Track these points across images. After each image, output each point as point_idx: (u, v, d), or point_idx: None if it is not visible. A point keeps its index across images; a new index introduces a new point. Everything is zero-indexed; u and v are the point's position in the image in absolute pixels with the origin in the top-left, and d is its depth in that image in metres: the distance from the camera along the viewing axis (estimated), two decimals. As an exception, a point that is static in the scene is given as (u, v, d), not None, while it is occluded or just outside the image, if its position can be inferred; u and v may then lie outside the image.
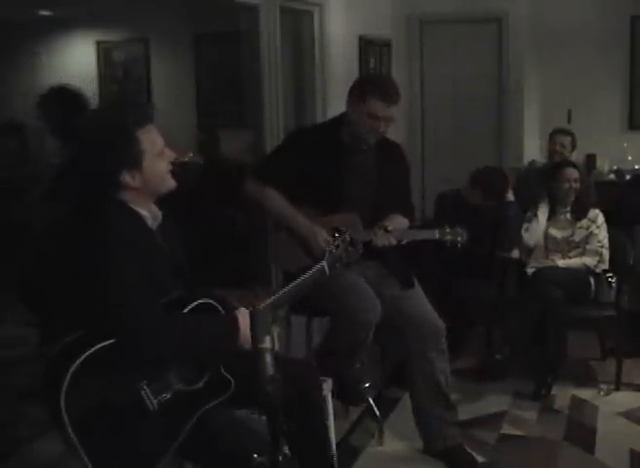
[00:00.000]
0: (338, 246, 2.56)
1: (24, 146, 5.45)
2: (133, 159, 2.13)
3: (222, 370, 2.21)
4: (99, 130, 2.17)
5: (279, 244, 3.27)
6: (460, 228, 3.19)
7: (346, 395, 3.41)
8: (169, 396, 2.09)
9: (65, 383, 1.94)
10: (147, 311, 2.05)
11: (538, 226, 4.29)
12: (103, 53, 7.65)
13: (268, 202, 3.22)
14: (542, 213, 4.31)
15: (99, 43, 7.65)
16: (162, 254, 2.21)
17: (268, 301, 2.31)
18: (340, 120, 3.30)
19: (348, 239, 2.57)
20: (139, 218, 2.18)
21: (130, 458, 2.03)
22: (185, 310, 2.17)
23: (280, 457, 1.74)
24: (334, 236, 2.57)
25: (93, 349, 1.98)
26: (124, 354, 2.01)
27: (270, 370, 1.77)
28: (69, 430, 1.94)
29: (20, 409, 3.48)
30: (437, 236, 3.17)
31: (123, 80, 7.60)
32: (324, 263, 2.51)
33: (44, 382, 2.02)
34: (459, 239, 3.18)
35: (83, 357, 1.96)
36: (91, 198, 2.18)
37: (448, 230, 3.18)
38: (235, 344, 2.15)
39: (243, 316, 2.18)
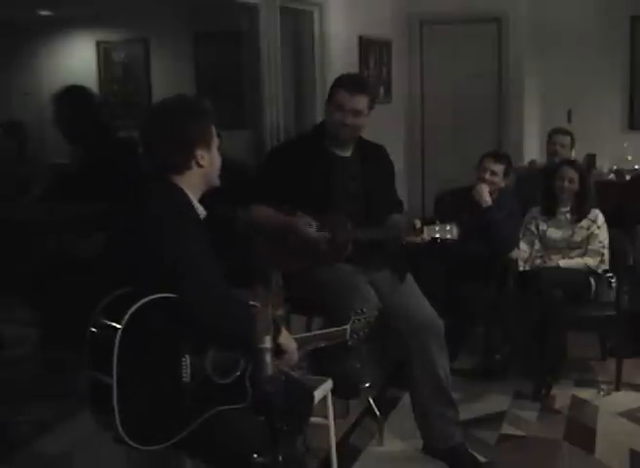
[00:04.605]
0: (360, 320, 2.62)
1: (24, 146, 5.46)
2: (207, 138, 2.28)
3: (247, 379, 2.24)
4: (182, 106, 2.30)
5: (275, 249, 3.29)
6: (450, 224, 3.15)
7: (342, 389, 3.41)
8: (201, 376, 2.13)
9: (125, 321, 1.98)
10: (215, 279, 2.13)
11: (532, 236, 4.30)
12: (103, 53, 7.64)
13: (259, 219, 3.26)
14: (535, 224, 4.31)
15: (99, 43, 7.64)
16: (210, 248, 2.26)
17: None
18: (320, 127, 3.37)
19: (372, 320, 2.65)
20: (191, 204, 2.27)
21: (152, 420, 2.06)
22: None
23: (280, 457, 1.74)
24: (358, 312, 2.64)
25: (154, 296, 2.04)
26: (179, 318, 2.06)
27: (270, 370, 1.77)
28: (114, 371, 1.98)
29: (20, 408, 3.48)
30: (426, 237, 3.13)
31: (123, 80, 7.59)
32: (347, 327, 2.59)
33: (92, 325, 2.09)
34: (448, 236, 3.14)
35: (145, 300, 2.02)
36: (160, 174, 2.26)
37: (437, 228, 3.14)
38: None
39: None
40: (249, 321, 2.12)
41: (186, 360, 2.11)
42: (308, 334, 2.55)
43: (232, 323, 2.15)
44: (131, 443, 2.02)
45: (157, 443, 2.07)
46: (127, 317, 2.00)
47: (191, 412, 2.13)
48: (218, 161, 2.36)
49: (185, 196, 2.25)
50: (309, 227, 3.16)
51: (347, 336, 2.58)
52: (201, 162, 2.27)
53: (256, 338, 2.01)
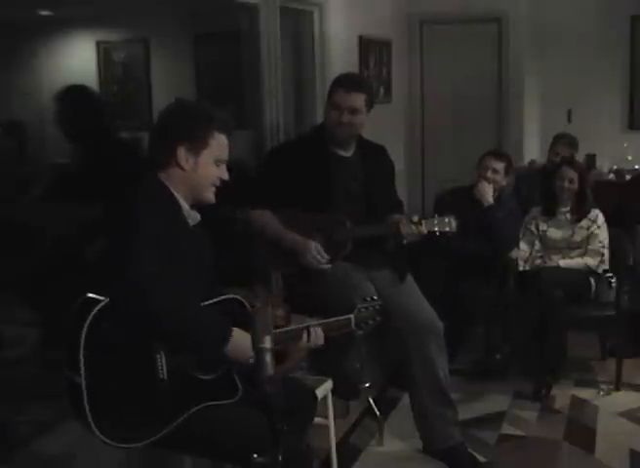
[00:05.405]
0: (367, 308, 2.50)
1: (24, 146, 5.46)
2: (195, 141, 2.20)
3: (235, 374, 2.22)
4: (186, 106, 2.28)
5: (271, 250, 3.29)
6: (448, 217, 3.15)
7: (342, 389, 3.41)
8: (180, 374, 2.11)
9: (89, 320, 1.99)
10: (163, 286, 2.02)
11: (532, 236, 4.29)
12: (103, 53, 7.65)
13: (258, 225, 3.26)
14: (535, 224, 4.30)
15: (99, 43, 7.64)
16: (194, 251, 2.22)
17: (290, 330, 2.35)
18: (320, 128, 3.39)
19: (378, 308, 2.52)
20: (176, 204, 2.21)
21: (129, 419, 2.05)
22: (207, 302, 2.19)
23: (280, 457, 1.74)
24: (366, 299, 2.53)
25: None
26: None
27: (270, 370, 1.76)
28: (82, 369, 1.98)
29: (20, 408, 3.48)
30: (424, 230, 3.13)
31: (123, 80, 7.60)
32: (351, 316, 2.47)
33: (65, 326, 2.08)
34: (447, 229, 3.14)
35: (108, 300, 2.01)
36: (151, 173, 2.23)
37: (436, 221, 3.14)
38: (220, 350, 2.11)
39: (239, 333, 2.14)
40: (212, 328, 2.10)
41: (161, 357, 2.08)
42: (311, 323, 2.46)
43: (198, 333, 2.09)
44: (107, 441, 2.02)
45: (136, 441, 2.06)
46: (90, 317, 1.99)
47: (172, 409, 2.11)
48: (208, 173, 2.24)
49: (172, 196, 2.20)
50: (317, 256, 3.15)
51: (353, 326, 2.47)
52: (181, 162, 2.19)
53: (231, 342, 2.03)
